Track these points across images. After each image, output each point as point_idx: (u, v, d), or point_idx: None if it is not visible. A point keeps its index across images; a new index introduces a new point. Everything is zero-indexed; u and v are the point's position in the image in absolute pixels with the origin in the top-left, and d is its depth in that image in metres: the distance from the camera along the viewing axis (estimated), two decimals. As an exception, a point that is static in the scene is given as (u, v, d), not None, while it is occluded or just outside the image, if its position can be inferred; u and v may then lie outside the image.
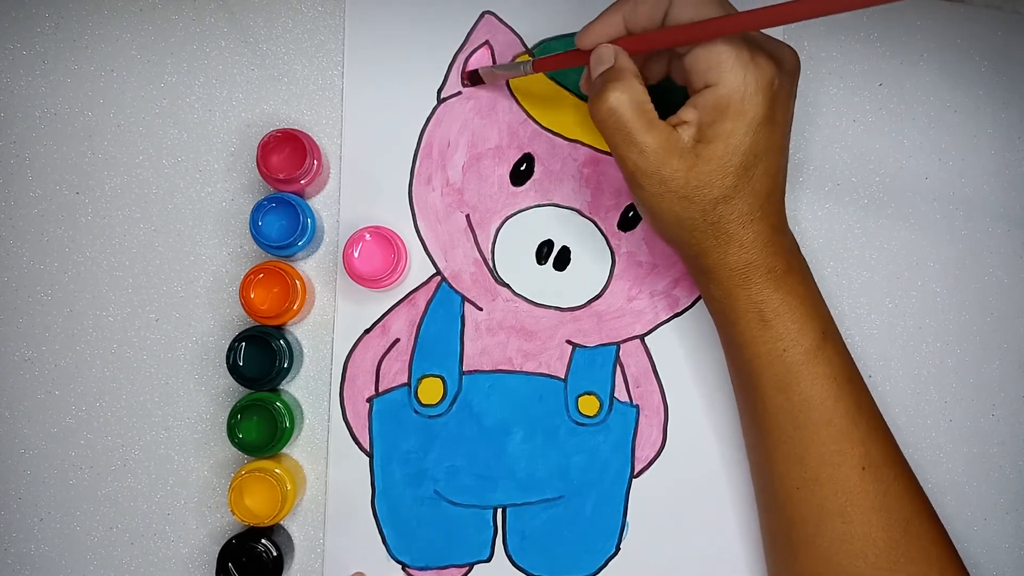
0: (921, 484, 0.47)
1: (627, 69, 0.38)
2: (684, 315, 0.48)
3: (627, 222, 0.48)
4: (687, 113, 0.38)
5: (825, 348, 0.40)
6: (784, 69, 0.38)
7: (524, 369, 0.48)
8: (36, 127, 0.48)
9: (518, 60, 0.44)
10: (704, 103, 0.37)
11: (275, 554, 0.44)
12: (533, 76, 0.48)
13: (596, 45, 0.39)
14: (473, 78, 0.47)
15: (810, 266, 0.49)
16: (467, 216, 0.48)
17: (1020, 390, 0.50)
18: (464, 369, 0.48)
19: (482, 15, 0.48)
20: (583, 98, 0.48)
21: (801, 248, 0.49)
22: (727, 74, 0.36)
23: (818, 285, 0.47)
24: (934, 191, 0.50)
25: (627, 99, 0.37)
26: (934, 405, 0.49)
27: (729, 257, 0.39)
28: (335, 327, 0.47)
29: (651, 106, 0.38)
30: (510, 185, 0.48)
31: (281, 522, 0.47)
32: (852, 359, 0.42)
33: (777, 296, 0.40)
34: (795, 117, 0.49)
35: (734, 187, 0.38)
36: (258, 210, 0.45)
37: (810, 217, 0.49)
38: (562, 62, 0.42)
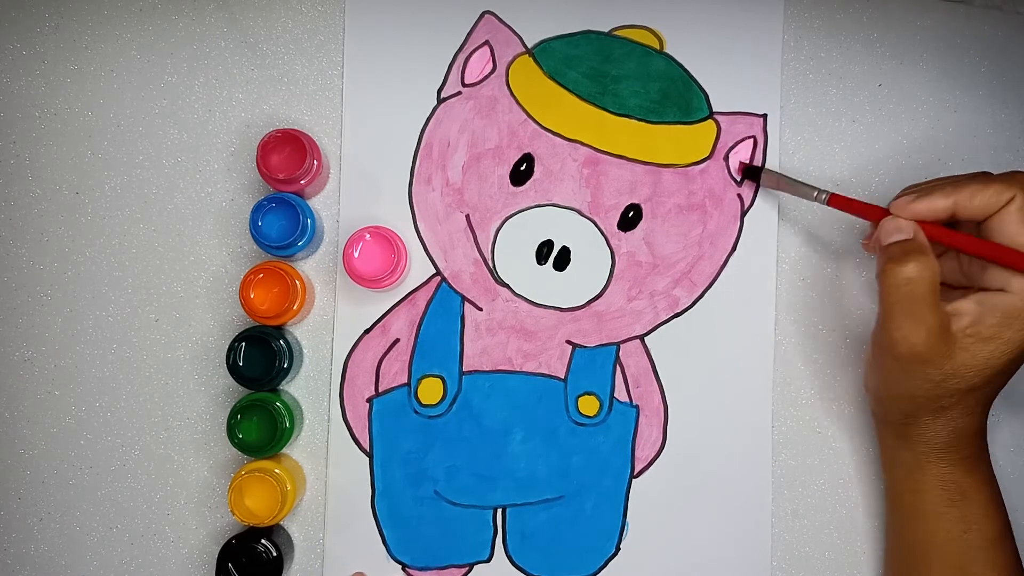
0: None
1: (927, 246, 0.39)
2: (684, 315, 0.48)
3: (627, 222, 0.48)
4: (966, 306, 0.39)
5: (1005, 539, 0.42)
6: None
7: (524, 369, 0.48)
8: (36, 127, 0.48)
9: (812, 186, 0.44)
10: (993, 304, 0.38)
11: (275, 554, 0.44)
12: (533, 75, 0.48)
13: (907, 213, 0.40)
14: (750, 172, 0.48)
15: (809, 266, 0.49)
16: (467, 216, 0.48)
17: (1020, 390, 0.50)
18: (464, 369, 0.48)
19: (482, 15, 0.48)
20: (583, 98, 0.48)
21: (802, 248, 0.49)
22: None
23: (818, 287, 0.48)
24: (934, 191, 0.50)
25: (928, 275, 0.38)
26: (934, 405, 0.49)
27: (938, 437, 0.41)
28: (335, 327, 0.47)
29: (938, 289, 0.39)
30: (510, 185, 0.48)
31: (281, 522, 0.47)
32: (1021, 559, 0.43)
33: (970, 479, 0.41)
34: (795, 115, 0.49)
35: (977, 386, 0.39)
36: (258, 210, 0.45)
37: (810, 217, 0.49)
38: (861, 212, 0.43)
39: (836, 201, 0.43)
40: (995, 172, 0.50)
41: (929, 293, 0.38)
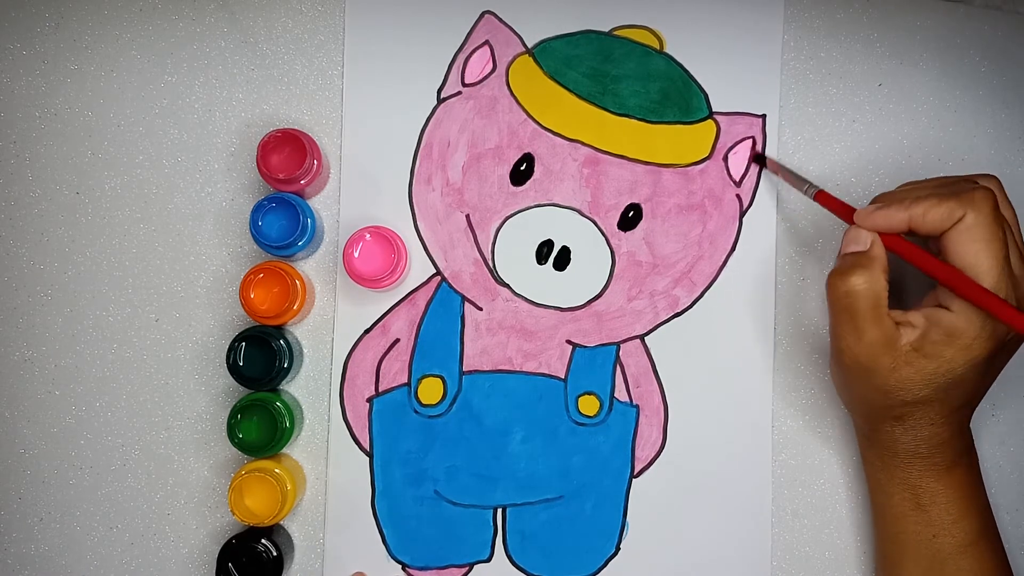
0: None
1: (878, 259, 0.39)
2: (684, 315, 0.48)
3: (627, 222, 0.48)
4: (916, 318, 0.39)
5: (979, 545, 0.41)
6: None
7: (524, 369, 0.48)
8: (36, 127, 0.48)
9: (805, 180, 0.45)
10: (937, 321, 0.38)
11: (275, 554, 0.44)
12: (533, 75, 0.48)
13: (866, 224, 0.40)
14: (760, 159, 0.48)
15: (808, 266, 0.49)
16: (467, 216, 0.48)
17: (1020, 390, 0.50)
18: (464, 369, 0.48)
19: (482, 15, 0.48)
20: (583, 98, 0.48)
21: (801, 248, 0.49)
22: (969, 310, 0.37)
23: (818, 287, 0.48)
24: (934, 191, 0.50)
25: (867, 289, 0.38)
26: (934, 405, 0.49)
27: (900, 444, 0.41)
28: (335, 327, 0.47)
29: (886, 301, 0.39)
30: (510, 185, 0.48)
31: (281, 522, 0.47)
32: (1008, 564, 0.43)
33: (937, 485, 0.41)
34: (794, 115, 0.49)
35: (928, 398, 0.39)
36: (258, 210, 0.45)
37: (810, 217, 0.49)
38: (839, 213, 0.43)
39: (821, 197, 0.44)
40: (998, 176, 0.50)
41: (870, 307, 0.38)
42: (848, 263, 0.39)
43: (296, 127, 0.46)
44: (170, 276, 0.47)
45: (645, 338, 0.48)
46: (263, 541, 0.44)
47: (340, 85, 0.48)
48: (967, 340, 0.37)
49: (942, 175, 0.49)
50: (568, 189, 0.48)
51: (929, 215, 0.38)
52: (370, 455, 0.47)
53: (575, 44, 0.48)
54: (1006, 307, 0.36)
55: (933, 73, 0.50)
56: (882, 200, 0.41)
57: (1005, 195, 0.41)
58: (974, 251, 0.37)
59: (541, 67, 0.48)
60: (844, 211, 0.42)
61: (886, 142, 0.50)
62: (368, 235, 0.45)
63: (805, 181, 0.45)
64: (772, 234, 0.49)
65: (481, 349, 0.48)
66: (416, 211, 0.48)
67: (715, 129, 0.49)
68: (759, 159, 0.48)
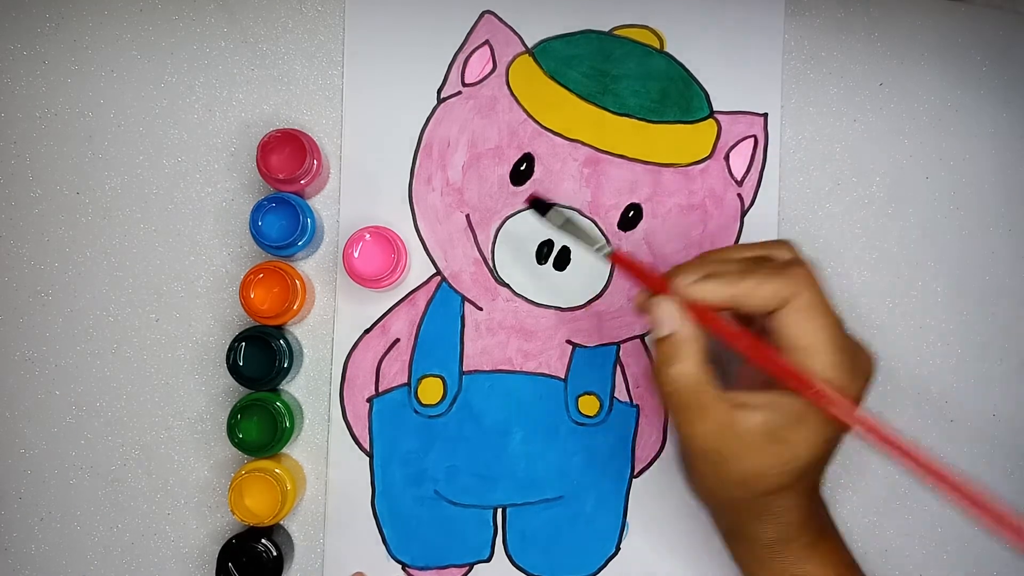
0: (922, 486, 0.48)
1: (691, 342, 0.35)
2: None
3: (627, 222, 0.48)
4: (759, 401, 0.35)
5: None
6: (866, 388, 0.36)
7: (524, 369, 0.48)
8: (36, 127, 0.48)
9: (599, 244, 0.40)
10: (781, 404, 0.35)
11: (275, 554, 0.44)
12: (533, 75, 0.48)
13: (686, 298, 0.36)
14: (538, 205, 0.42)
15: (810, 266, 0.49)
16: (467, 216, 0.48)
17: (1020, 390, 0.50)
18: (464, 369, 0.48)
19: (482, 15, 0.48)
20: (583, 98, 0.48)
21: (801, 249, 0.49)
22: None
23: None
24: (934, 191, 0.50)
25: (684, 381, 0.35)
26: (934, 405, 0.49)
27: (766, 533, 0.38)
28: (335, 327, 0.47)
29: (712, 385, 0.35)
30: (510, 185, 0.48)
31: (281, 522, 0.47)
32: None
33: (808, 566, 0.39)
34: (795, 115, 0.49)
35: (789, 485, 0.36)
36: (258, 210, 0.45)
37: (810, 217, 0.49)
38: (640, 277, 0.38)
39: (618, 259, 0.39)
40: (998, 176, 0.50)
41: (694, 398, 0.35)
42: (660, 355, 0.36)
43: (296, 127, 0.46)
44: (170, 276, 0.47)
45: (645, 338, 0.48)
46: (263, 541, 0.44)
47: (340, 85, 0.48)
48: (817, 424, 0.35)
49: (942, 176, 0.49)
50: (568, 189, 0.48)
51: (756, 294, 0.35)
52: (370, 455, 0.47)
53: (575, 44, 0.48)
54: (843, 405, 0.34)
55: (934, 73, 0.50)
56: (687, 271, 0.36)
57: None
58: (809, 331, 0.35)
59: (541, 67, 0.48)
60: (646, 278, 0.38)
61: (887, 142, 0.50)
62: (368, 235, 0.45)
63: (596, 240, 0.40)
64: (773, 234, 0.49)
65: (481, 349, 0.48)
66: (416, 211, 0.48)
67: (716, 128, 0.48)
68: (537, 206, 0.42)
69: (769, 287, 0.35)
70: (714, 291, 0.35)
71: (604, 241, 0.41)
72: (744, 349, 0.36)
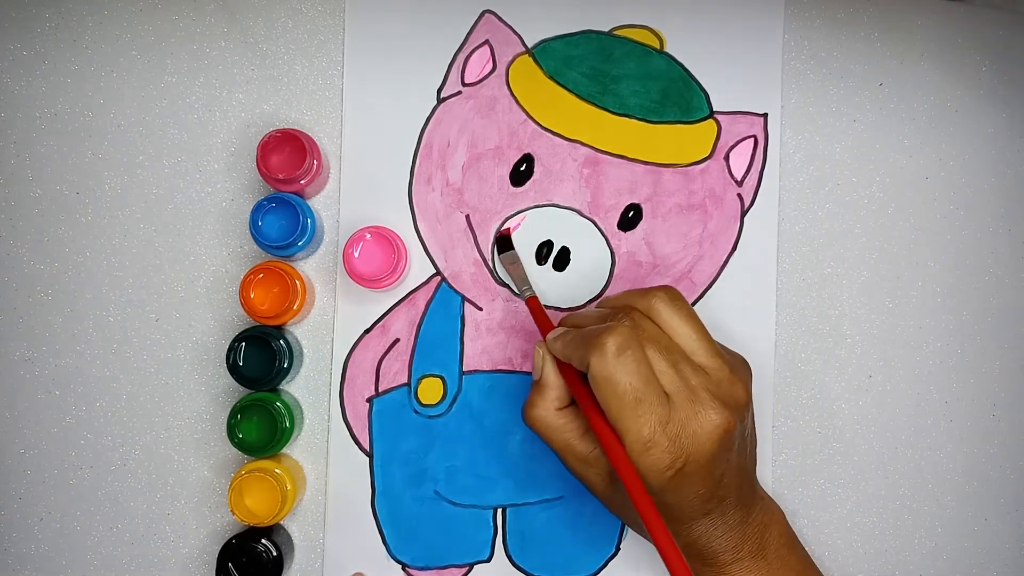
0: (922, 484, 0.47)
1: (549, 389, 0.39)
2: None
3: (627, 222, 0.48)
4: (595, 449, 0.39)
5: None
6: (690, 451, 0.36)
7: (524, 369, 0.48)
8: (36, 127, 0.48)
9: (525, 287, 0.46)
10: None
11: (275, 554, 0.44)
12: (533, 75, 0.48)
13: (554, 352, 0.39)
14: (501, 242, 0.47)
15: (809, 266, 0.49)
16: (467, 216, 0.48)
17: (1020, 390, 0.50)
18: (464, 369, 0.48)
19: (482, 14, 0.48)
20: (583, 98, 0.48)
21: (801, 249, 0.49)
22: (625, 446, 0.36)
23: (819, 288, 0.47)
24: (934, 191, 0.50)
25: (540, 421, 0.39)
26: (934, 405, 0.49)
27: (689, 557, 0.39)
28: (335, 327, 0.47)
29: (569, 426, 0.39)
30: (510, 185, 0.48)
31: (281, 522, 0.47)
32: None
33: None
34: (795, 115, 0.49)
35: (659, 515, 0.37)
36: (258, 210, 0.45)
37: (810, 217, 0.49)
38: (541, 325, 0.43)
39: (531, 303, 0.45)
40: (998, 176, 0.50)
41: (551, 439, 0.39)
42: (529, 396, 0.40)
43: (296, 127, 0.46)
44: (170, 276, 0.47)
45: None
46: (263, 541, 0.44)
47: (340, 85, 0.48)
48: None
49: (942, 176, 0.49)
50: (568, 189, 0.48)
51: (572, 358, 0.38)
52: (370, 455, 0.47)
53: (575, 44, 0.48)
54: (620, 460, 0.35)
55: (934, 73, 0.50)
56: (561, 328, 0.40)
57: (676, 304, 0.38)
58: (603, 398, 0.36)
59: (541, 67, 0.48)
60: (544, 327, 0.42)
61: (887, 142, 0.50)
62: (368, 235, 0.45)
63: (525, 284, 0.46)
64: (773, 234, 0.49)
65: (481, 349, 0.48)
66: (416, 211, 0.48)
67: (716, 128, 0.49)
68: (502, 243, 0.47)
69: (576, 354, 0.37)
70: (556, 349, 0.39)
71: (527, 288, 0.45)
72: (579, 403, 0.38)
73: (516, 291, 0.46)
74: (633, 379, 0.36)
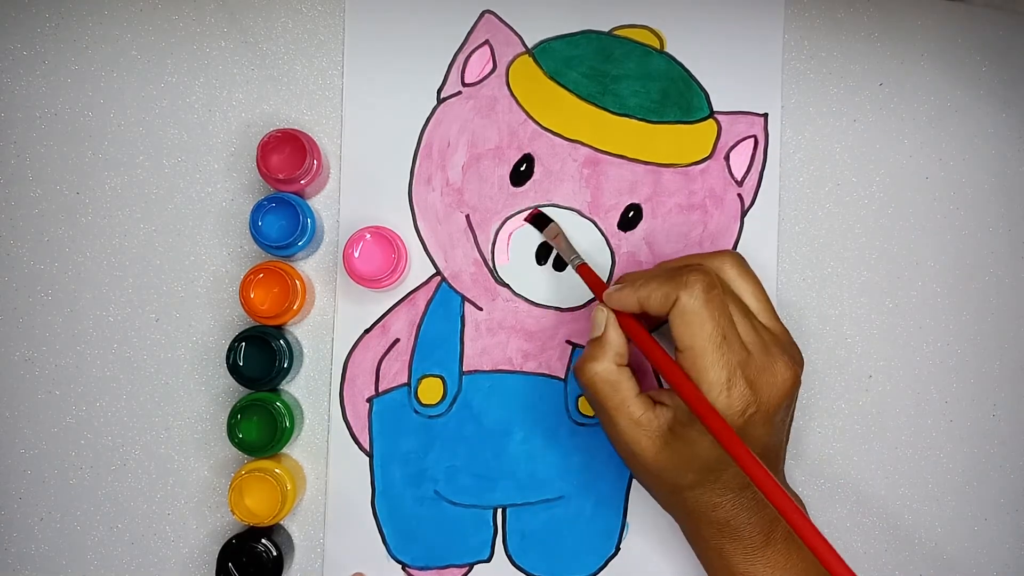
0: (922, 484, 0.47)
1: (610, 345, 0.39)
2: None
3: (627, 222, 0.48)
4: (668, 398, 0.38)
5: None
6: (762, 400, 0.37)
7: (524, 369, 0.48)
8: (36, 127, 0.48)
9: (573, 256, 0.45)
10: (680, 402, 0.37)
11: (275, 554, 0.44)
12: (533, 75, 0.48)
13: (615, 305, 0.40)
14: (538, 220, 0.47)
15: (809, 266, 0.49)
16: (467, 216, 0.48)
17: (1020, 390, 0.50)
18: (464, 369, 0.48)
19: (482, 14, 0.48)
20: (583, 98, 0.48)
21: (801, 249, 0.49)
22: (703, 386, 0.36)
23: (819, 288, 0.47)
24: (934, 191, 0.50)
25: (601, 376, 0.39)
26: (934, 405, 0.49)
27: (703, 531, 0.40)
28: (335, 327, 0.47)
29: (627, 383, 0.39)
30: (510, 186, 0.48)
31: (281, 522, 0.47)
32: None
33: (756, 567, 0.39)
34: (795, 115, 0.49)
35: (699, 481, 0.38)
36: (258, 210, 0.45)
37: (810, 217, 0.49)
38: (592, 287, 0.44)
39: (583, 270, 0.44)
40: (998, 176, 0.50)
41: (611, 394, 0.38)
42: (585, 352, 0.40)
43: (296, 127, 0.46)
44: (170, 276, 0.47)
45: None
46: (263, 541, 0.44)
47: (340, 85, 0.48)
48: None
49: (942, 176, 0.49)
50: (568, 189, 0.48)
51: (652, 297, 0.38)
52: (370, 455, 0.47)
53: (575, 44, 0.48)
54: (702, 403, 0.35)
55: (934, 73, 0.50)
56: (618, 280, 0.40)
57: (743, 268, 0.40)
58: (690, 333, 0.36)
59: (541, 67, 0.48)
60: (599, 290, 0.42)
61: (887, 142, 0.50)
62: (368, 235, 0.45)
63: (573, 252, 0.45)
64: (773, 234, 0.49)
65: (481, 349, 0.48)
66: (416, 211, 0.48)
67: (716, 128, 0.49)
68: (538, 220, 0.47)
69: (660, 292, 0.37)
70: (622, 298, 0.39)
71: (577, 256, 0.45)
72: (646, 351, 0.38)
73: (567, 261, 0.45)
74: (721, 318, 0.36)
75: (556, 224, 0.47)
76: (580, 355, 0.40)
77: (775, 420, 0.38)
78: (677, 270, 0.38)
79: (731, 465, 0.37)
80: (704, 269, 0.38)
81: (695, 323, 0.36)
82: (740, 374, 0.36)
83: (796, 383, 0.38)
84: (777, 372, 0.37)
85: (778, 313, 0.48)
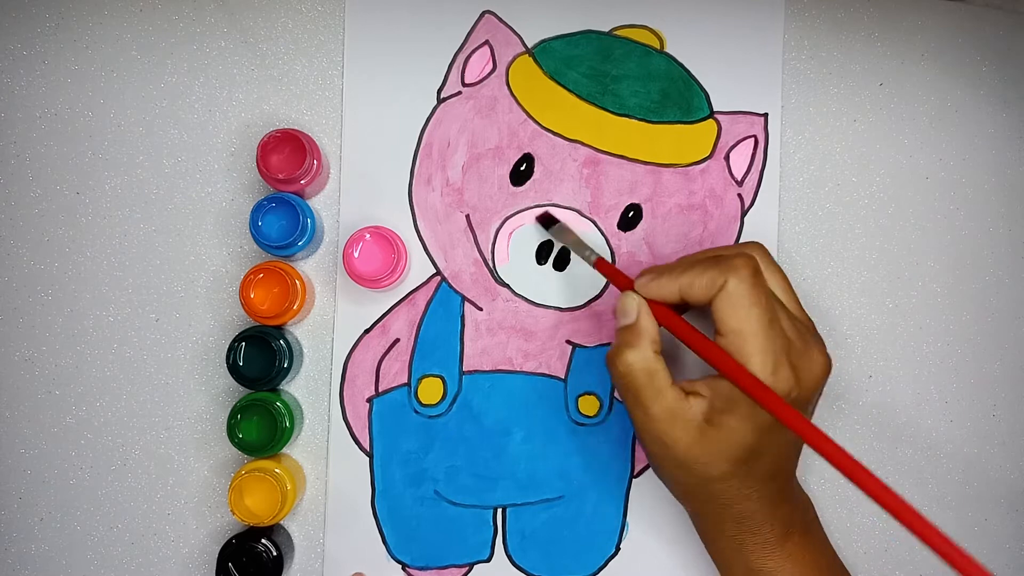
0: (921, 484, 0.47)
1: (645, 332, 0.38)
2: (684, 315, 0.48)
3: (627, 222, 0.48)
4: (703, 387, 0.37)
5: None
6: (803, 385, 0.37)
7: (524, 369, 0.48)
8: (36, 127, 0.48)
9: (587, 251, 0.44)
10: (719, 389, 0.37)
11: (275, 554, 0.44)
12: (533, 75, 0.48)
13: (641, 293, 0.39)
14: (546, 220, 0.47)
15: (809, 266, 0.49)
16: (467, 216, 0.48)
17: (1020, 390, 0.50)
18: (464, 369, 0.48)
19: (482, 15, 0.48)
20: (583, 98, 0.48)
21: (801, 249, 0.49)
22: (751, 369, 0.36)
23: (819, 288, 0.47)
24: (934, 191, 0.50)
25: (639, 364, 0.38)
26: (934, 405, 0.49)
27: (724, 524, 0.39)
28: (335, 327, 0.47)
29: (663, 372, 0.38)
30: (510, 185, 0.48)
31: (281, 522, 0.47)
32: None
33: (771, 562, 0.39)
34: (795, 115, 0.49)
35: (731, 472, 0.37)
36: (258, 210, 0.45)
37: (810, 217, 0.49)
38: (614, 280, 0.42)
39: (600, 264, 0.43)
40: (998, 176, 0.50)
41: (646, 383, 0.37)
42: (619, 340, 0.39)
43: (296, 127, 0.46)
44: (170, 276, 0.47)
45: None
46: (263, 541, 0.44)
47: (340, 85, 0.48)
48: (747, 408, 0.36)
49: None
50: (568, 189, 0.48)
51: (696, 283, 0.37)
52: (370, 455, 0.47)
53: (575, 44, 0.48)
54: (756, 384, 0.35)
55: (934, 73, 0.50)
56: (654, 271, 0.40)
57: (770, 259, 0.40)
58: (738, 317, 0.36)
59: (541, 67, 0.48)
60: (620, 279, 0.42)
61: (887, 141, 0.50)
62: (368, 235, 0.45)
63: (588, 248, 0.45)
64: (773, 234, 0.49)
65: (481, 349, 0.48)
66: (416, 211, 0.48)
67: (716, 128, 0.49)
68: (545, 221, 0.47)
69: (705, 277, 0.37)
70: (661, 286, 0.39)
71: (592, 251, 0.44)
72: (685, 337, 0.38)
73: (582, 258, 0.44)
74: (768, 302, 0.36)
75: (563, 223, 0.47)
76: (612, 345, 0.39)
77: (810, 406, 0.38)
78: (716, 259, 0.38)
79: (766, 452, 0.37)
80: (748, 255, 0.38)
81: (743, 306, 0.36)
82: (785, 357, 0.36)
83: (829, 369, 0.38)
84: (814, 358, 0.37)
85: (778, 313, 0.49)
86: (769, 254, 0.41)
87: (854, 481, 0.33)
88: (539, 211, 0.48)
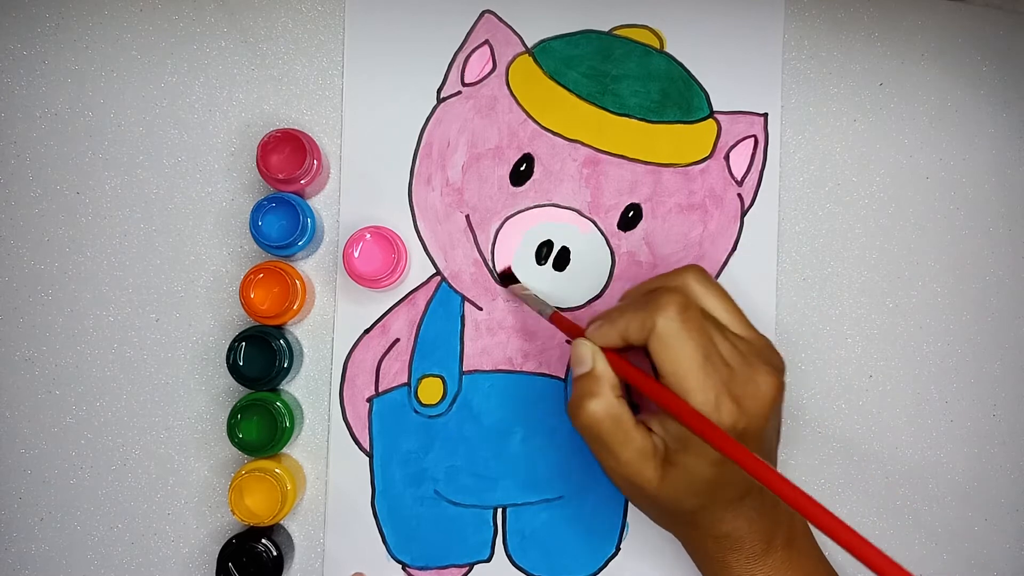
0: (922, 484, 0.47)
1: (604, 378, 0.38)
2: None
3: (627, 222, 0.48)
4: (656, 426, 0.37)
5: None
6: (749, 414, 0.36)
7: (524, 369, 0.48)
8: (36, 127, 0.48)
9: (544, 304, 0.45)
10: (670, 429, 0.37)
11: (275, 554, 0.44)
12: (533, 75, 0.48)
13: (601, 343, 0.38)
14: (505, 278, 0.47)
15: (809, 266, 0.49)
16: (467, 216, 0.48)
17: (1020, 390, 0.50)
18: (464, 369, 0.48)
19: (482, 14, 0.48)
20: (583, 98, 0.48)
21: (801, 249, 0.49)
22: None
23: (819, 288, 0.47)
24: (934, 191, 0.50)
25: (603, 412, 0.37)
26: (934, 405, 0.49)
27: (706, 545, 0.39)
28: (335, 327, 0.47)
29: (627, 415, 0.37)
30: (510, 185, 0.48)
31: (281, 522, 0.47)
32: None
33: (760, 573, 0.39)
34: (795, 115, 0.49)
35: (700, 504, 0.37)
36: (258, 210, 0.45)
37: (810, 217, 0.49)
38: (568, 331, 0.42)
39: (556, 318, 0.43)
40: (998, 176, 0.50)
41: (613, 429, 0.37)
42: (579, 391, 0.38)
43: (296, 127, 0.46)
44: (170, 276, 0.47)
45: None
46: (263, 541, 0.44)
47: (340, 85, 0.48)
48: (699, 445, 0.35)
49: (942, 176, 0.49)
50: (568, 189, 0.48)
51: (630, 328, 0.37)
52: (370, 455, 0.47)
53: (575, 44, 0.48)
54: (699, 420, 0.34)
55: (934, 73, 0.50)
56: (600, 318, 0.39)
57: (707, 280, 0.39)
58: (671, 359, 0.35)
59: (541, 67, 0.48)
60: (572, 329, 0.41)
61: (887, 141, 0.50)
62: (368, 235, 0.45)
63: (543, 303, 0.45)
64: (773, 234, 0.49)
65: (481, 349, 0.48)
66: (416, 211, 0.48)
67: (716, 128, 0.49)
68: (505, 278, 0.47)
69: (635, 322, 0.36)
70: (605, 333, 0.38)
71: (547, 306, 0.44)
72: (634, 381, 0.37)
73: (540, 313, 0.44)
74: (700, 337, 0.36)
75: (521, 284, 0.47)
76: (572, 395, 0.38)
77: (765, 430, 0.37)
78: (648, 295, 0.37)
79: (729, 481, 0.37)
80: (674, 289, 0.37)
81: (675, 347, 0.35)
82: (725, 391, 0.35)
83: (780, 390, 0.37)
84: (760, 383, 0.36)
85: (779, 314, 0.49)
86: (705, 275, 0.40)
87: (798, 509, 0.31)
88: (502, 267, 0.48)
